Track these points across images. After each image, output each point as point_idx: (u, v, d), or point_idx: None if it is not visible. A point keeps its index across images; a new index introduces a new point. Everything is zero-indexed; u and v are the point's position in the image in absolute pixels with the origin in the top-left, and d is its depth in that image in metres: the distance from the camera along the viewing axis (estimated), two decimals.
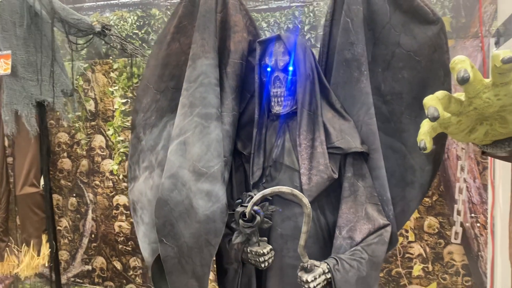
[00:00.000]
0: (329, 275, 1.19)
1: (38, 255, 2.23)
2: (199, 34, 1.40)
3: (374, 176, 1.36)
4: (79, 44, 2.20)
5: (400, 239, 2.20)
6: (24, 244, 2.25)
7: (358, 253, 1.24)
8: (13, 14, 2.09)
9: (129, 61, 2.48)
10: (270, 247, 1.28)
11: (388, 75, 1.42)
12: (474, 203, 2.08)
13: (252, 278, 1.35)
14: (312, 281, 1.15)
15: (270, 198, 1.31)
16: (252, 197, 1.21)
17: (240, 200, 1.28)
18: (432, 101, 0.75)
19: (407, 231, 2.19)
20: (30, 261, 2.21)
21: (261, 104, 1.39)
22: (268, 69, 1.35)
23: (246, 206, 1.20)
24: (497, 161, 2.00)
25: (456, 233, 1.10)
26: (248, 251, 1.28)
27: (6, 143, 2.40)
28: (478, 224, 2.07)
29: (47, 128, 2.30)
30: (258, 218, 1.21)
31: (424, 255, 2.18)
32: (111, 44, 2.10)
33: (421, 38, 1.38)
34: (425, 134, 0.82)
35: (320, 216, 1.34)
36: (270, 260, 1.27)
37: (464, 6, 2.06)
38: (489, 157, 1.98)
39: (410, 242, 2.20)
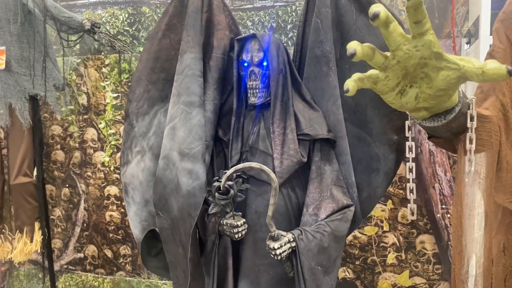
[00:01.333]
0: (293, 244, 1.31)
1: (31, 241, 2.34)
2: (186, 32, 1.53)
3: (340, 161, 1.49)
4: (71, 40, 2.30)
5: (375, 229, 2.32)
6: (17, 231, 2.36)
7: (322, 227, 1.36)
8: (7, 12, 2.19)
9: (122, 57, 2.58)
10: (244, 220, 1.40)
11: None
12: (445, 195, 2.19)
13: (228, 249, 1.47)
14: (278, 248, 1.27)
15: (245, 177, 1.45)
16: (224, 173, 1.34)
17: (217, 177, 1.41)
18: (354, 44, 0.85)
19: (382, 222, 2.30)
20: (23, 247, 2.32)
21: (239, 96, 1.53)
22: (245, 64, 1.48)
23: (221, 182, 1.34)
24: (477, 167, 2.11)
25: (412, 210, 1.20)
26: (224, 223, 1.41)
27: (2, 135, 2.51)
28: (449, 215, 2.18)
29: (40, 121, 2.40)
30: (231, 191, 1.34)
31: (398, 244, 2.29)
32: (100, 41, 2.19)
33: (383, 38, 1.49)
34: (351, 81, 0.92)
35: (292, 196, 1.47)
36: (244, 232, 1.40)
37: (437, 7, 2.16)
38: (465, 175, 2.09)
39: (384, 232, 2.31)
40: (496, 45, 1.23)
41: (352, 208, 1.45)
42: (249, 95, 1.49)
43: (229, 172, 1.29)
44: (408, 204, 1.22)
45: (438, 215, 2.22)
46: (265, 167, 1.25)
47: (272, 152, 1.44)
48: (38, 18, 2.21)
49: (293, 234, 1.32)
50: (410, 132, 1.17)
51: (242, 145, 1.51)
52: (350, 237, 2.35)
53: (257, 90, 1.46)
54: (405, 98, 0.94)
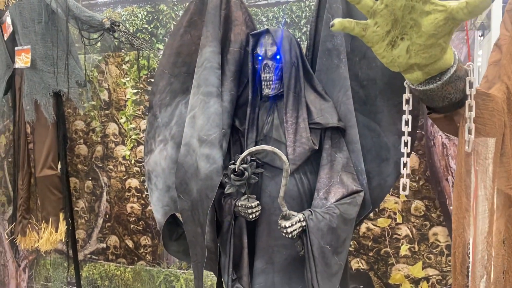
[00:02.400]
0: (304, 223, 1.38)
1: (56, 231, 2.46)
2: (205, 28, 1.63)
3: (350, 149, 1.54)
4: (92, 39, 2.39)
5: (388, 221, 2.34)
6: (43, 221, 2.49)
7: (331, 209, 1.43)
8: (32, 12, 2.30)
9: (139, 54, 2.66)
10: (257, 202, 1.48)
11: (364, 64, 1.58)
12: None
13: (243, 229, 1.55)
14: (289, 226, 1.35)
15: (260, 163, 1.53)
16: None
17: (233, 161, 1.49)
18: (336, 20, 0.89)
19: (395, 214, 2.33)
20: (49, 236, 2.44)
21: (254, 88, 1.61)
22: (259, 58, 1.56)
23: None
24: (479, 148, 2.11)
25: (404, 185, 1.23)
26: (239, 204, 1.49)
27: (29, 130, 2.63)
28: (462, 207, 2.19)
29: (64, 116, 2.50)
30: (246, 173, 1.43)
31: (411, 236, 2.31)
32: (120, 39, 2.28)
33: None
34: (340, 20, 0.95)
35: (304, 181, 1.53)
36: (257, 213, 1.48)
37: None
38: (464, 150, 2.09)
39: (398, 224, 2.33)
40: (503, 33, 1.24)
41: (362, 194, 1.51)
42: (263, 87, 1.57)
43: (243, 154, 1.38)
44: (401, 179, 1.24)
45: (451, 208, 2.23)
46: (276, 150, 1.34)
47: (285, 140, 1.51)
48: (61, 18, 2.30)
49: (303, 214, 1.39)
50: (407, 105, 1.18)
51: (257, 134, 1.59)
52: (363, 229, 2.39)
53: (270, 82, 1.54)
54: (396, 50, 0.95)
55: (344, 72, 1.55)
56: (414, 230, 2.31)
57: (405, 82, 1.14)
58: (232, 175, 1.44)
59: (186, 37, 1.73)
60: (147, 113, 2.81)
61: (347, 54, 1.58)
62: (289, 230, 1.35)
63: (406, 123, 1.19)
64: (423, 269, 2.30)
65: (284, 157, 1.33)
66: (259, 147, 1.39)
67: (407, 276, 2.33)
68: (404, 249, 2.33)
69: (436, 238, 2.27)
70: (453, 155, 2.21)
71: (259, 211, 1.49)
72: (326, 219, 1.40)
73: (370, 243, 2.39)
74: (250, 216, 1.47)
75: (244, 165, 1.44)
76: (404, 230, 2.33)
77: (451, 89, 1.02)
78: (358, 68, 1.60)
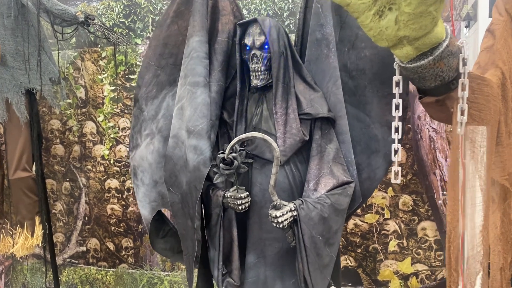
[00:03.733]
0: (295, 213, 1.36)
1: (32, 236, 2.35)
2: (192, 17, 1.60)
3: (340, 140, 1.53)
4: (65, 33, 2.28)
5: (376, 216, 2.30)
6: (18, 226, 2.37)
7: (323, 199, 1.42)
8: (1, 6, 2.17)
9: (116, 49, 2.56)
10: (247, 193, 1.46)
11: (353, 54, 1.57)
12: (446, 181, 2.17)
13: (232, 221, 1.52)
14: (280, 216, 1.33)
15: (249, 154, 1.51)
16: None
17: (222, 151, 1.47)
18: None
19: (383, 209, 2.29)
20: (25, 241, 2.32)
21: (242, 79, 1.58)
22: (247, 48, 1.52)
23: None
24: (474, 136, 2.08)
25: (396, 173, 1.19)
26: (228, 196, 1.47)
27: (1, 130, 2.50)
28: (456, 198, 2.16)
29: (38, 115, 2.38)
30: (235, 162, 1.40)
31: (399, 231, 2.28)
32: (95, 34, 2.17)
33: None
34: None
35: (295, 173, 1.52)
36: (247, 204, 1.46)
37: None
38: (459, 136, 2.06)
39: (386, 219, 2.29)
40: (496, 18, 1.21)
41: (352, 185, 1.49)
42: (251, 77, 1.53)
43: (233, 141, 1.36)
44: (392, 167, 1.21)
45: (439, 202, 2.20)
46: (267, 137, 1.32)
47: (275, 131, 1.49)
48: (31, 12, 2.18)
49: (294, 204, 1.38)
50: (397, 88, 1.13)
51: (246, 126, 1.57)
52: (351, 225, 2.35)
53: (259, 73, 1.51)
54: (384, 21, 0.90)
55: (333, 62, 1.54)
56: (402, 226, 2.27)
57: (394, 63, 1.10)
58: (221, 164, 1.42)
59: (173, 27, 1.70)
60: (125, 111, 2.71)
61: (336, 44, 1.56)
62: (280, 219, 1.33)
63: (397, 107, 1.15)
64: (412, 264, 2.27)
65: (274, 144, 1.32)
66: (249, 134, 1.36)
67: (396, 272, 2.30)
68: (392, 245, 2.30)
69: (425, 233, 2.24)
70: (440, 148, 2.18)
71: (249, 203, 1.47)
72: (317, 208, 1.38)
73: (358, 240, 2.35)
74: (240, 208, 1.44)
75: (234, 154, 1.41)
76: (392, 226, 2.29)
77: (444, 66, 0.98)
78: (347, 58, 1.58)
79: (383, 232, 2.31)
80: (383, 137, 1.56)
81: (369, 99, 1.56)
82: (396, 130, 1.19)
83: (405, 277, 2.29)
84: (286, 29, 2.35)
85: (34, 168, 2.39)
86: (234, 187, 1.47)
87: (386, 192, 2.27)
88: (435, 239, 2.22)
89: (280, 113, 1.49)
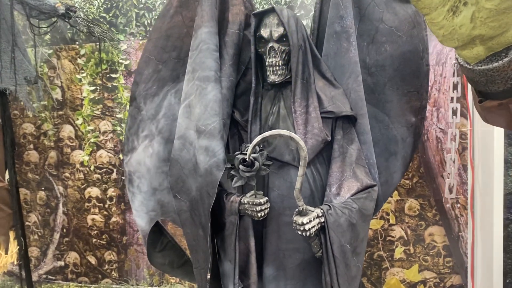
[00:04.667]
0: (322, 219, 1.26)
1: (6, 253, 2.11)
2: (200, 7, 1.50)
3: (361, 140, 1.45)
4: (42, 28, 2.05)
5: (381, 222, 2.19)
6: None
7: (349, 203, 1.32)
8: None
9: (97, 46, 2.35)
10: (266, 198, 1.34)
11: (373, 49, 1.52)
12: (454, 184, 2.08)
13: (249, 230, 1.39)
14: (308, 223, 1.22)
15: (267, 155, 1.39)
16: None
17: (240, 151, 1.35)
18: None
19: (388, 214, 2.18)
20: None
21: (256, 74, 1.48)
22: (263, 40, 1.42)
23: (246, 154, 1.29)
24: (476, 140, 2.00)
25: (450, 186, 1.08)
26: (245, 202, 1.34)
27: None
28: (459, 205, 2.07)
29: (10, 119, 2.15)
30: (256, 164, 1.28)
31: (406, 238, 2.17)
32: (77, 28, 1.95)
33: (402, 15, 1.50)
34: None
35: (316, 178, 1.42)
36: (266, 211, 1.33)
37: None
38: (468, 137, 1.97)
39: (391, 225, 2.18)
40: None
41: (376, 188, 1.42)
42: (268, 73, 1.43)
43: (256, 140, 1.25)
44: (447, 180, 1.11)
45: (448, 205, 2.10)
46: (294, 135, 1.22)
47: (294, 132, 1.39)
48: (4, 3, 1.95)
49: (321, 209, 1.28)
50: (455, 92, 1.02)
51: (261, 126, 1.47)
52: None
53: (277, 68, 1.41)
54: (458, 18, 0.78)
55: (354, 57, 1.47)
56: (408, 231, 2.17)
57: (453, 63, 0.98)
58: (241, 166, 1.29)
59: (176, 18, 1.60)
60: (107, 113, 2.50)
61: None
62: (307, 227, 1.22)
63: (454, 112, 1.03)
64: (419, 272, 2.17)
65: (302, 143, 1.21)
66: (275, 131, 1.24)
67: (403, 281, 2.19)
68: (398, 252, 2.19)
69: (433, 239, 2.14)
70: (448, 149, 2.08)
71: (268, 209, 1.35)
72: (346, 214, 1.29)
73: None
74: (259, 215, 1.32)
75: (255, 155, 1.29)
76: (398, 232, 2.18)
77: None
78: (365, 53, 1.53)
79: (388, 238, 2.19)
80: (402, 138, 1.51)
81: (389, 97, 1.51)
82: (453, 138, 1.08)
83: (412, 286, 2.18)
84: None
85: (7, 177, 2.16)
86: (252, 192, 1.34)
87: (391, 196, 2.16)
88: (443, 245, 2.13)
89: (299, 112, 1.39)
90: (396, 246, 2.19)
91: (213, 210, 1.43)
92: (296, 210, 1.26)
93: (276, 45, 1.40)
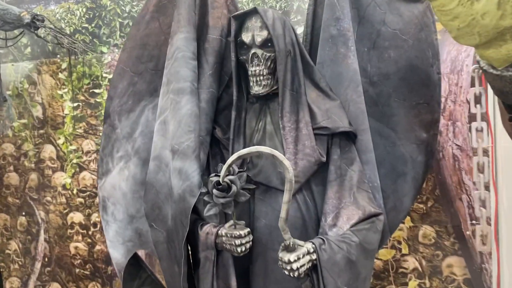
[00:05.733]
0: (314, 256, 1.11)
1: None
2: (177, 11, 1.40)
3: (363, 160, 1.31)
4: (9, 39, 1.87)
5: (392, 252, 1.96)
6: None
7: (348, 236, 1.17)
8: None
9: (75, 58, 2.17)
10: (248, 229, 1.18)
11: (374, 55, 1.40)
12: (475, 208, 1.83)
13: (229, 269, 1.22)
14: (295, 261, 1.06)
15: (252, 179, 1.25)
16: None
17: (215, 173, 1.20)
18: None
19: (400, 243, 1.95)
20: None
21: (239, 85, 1.34)
22: (245, 46, 1.29)
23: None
24: (499, 158, 1.77)
25: (483, 236, 0.88)
26: (223, 234, 1.18)
27: None
28: (481, 232, 1.83)
29: None
30: (233, 187, 1.12)
31: (420, 269, 1.94)
32: (45, 39, 1.77)
33: (407, 16, 1.39)
34: None
35: (310, 205, 1.26)
36: (248, 245, 1.17)
37: None
38: (490, 152, 1.74)
39: (403, 255, 1.95)
40: None
41: (381, 217, 1.25)
42: (251, 83, 1.28)
43: (230, 159, 1.09)
44: (478, 226, 0.93)
45: (468, 233, 1.86)
46: (276, 152, 1.06)
47: (283, 151, 1.24)
48: None
49: (313, 244, 1.12)
50: (478, 106, 0.80)
51: (245, 145, 1.32)
52: None
53: (261, 77, 1.26)
54: (480, 4, 0.57)
55: (353, 63, 1.33)
56: (423, 262, 1.93)
57: (473, 67, 0.78)
58: (214, 190, 1.13)
59: (153, 24, 1.48)
60: (90, 131, 2.31)
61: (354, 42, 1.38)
62: (294, 266, 1.06)
63: (480, 131, 0.81)
64: None
65: (286, 162, 1.05)
66: (253, 148, 1.09)
67: None
68: (412, 286, 1.95)
69: (451, 271, 1.90)
70: (467, 169, 1.84)
71: (250, 243, 1.18)
72: (343, 249, 1.13)
73: (371, 280, 1.98)
74: (238, 250, 1.15)
75: (231, 177, 1.13)
76: (411, 263, 1.95)
77: None
78: (366, 60, 1.40)
79: (400, 270, 1.96)
80: (411, 157, 1.37)
81: (395, 110, 1.37)
82: (480, 170, 0.88)
83: None
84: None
85: None
86: (231, 222, 1.18)
87: (403, 223, 1.93)
88: (464, 278, 1.88)
89: (289, 128, 1.25)
90: (410, 279, 1.95)
91: (191, 243, 1.30)
92: (282, 244, 1.09)
93: (259, 51, 1.25)
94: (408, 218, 1.93)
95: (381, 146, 1.38)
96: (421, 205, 1.91)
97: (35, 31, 1.74)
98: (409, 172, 1.38)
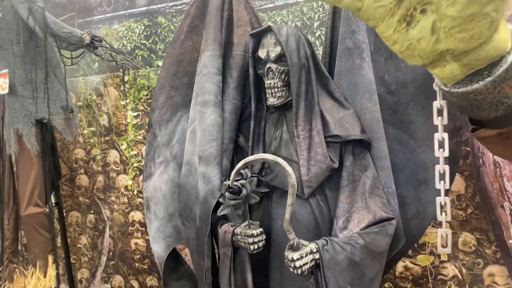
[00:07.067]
0: (317, 255, 1.14)
1: (45, 276, 2.18)
2: (205, 31, 1.50)
3: (378, 167, 1.31)
4: (73, 58, 2.11)
5: (431, 258, 1.92)
6: (31, 265, 2.21)
7: (354, 238, 1.19)
8: (10, 32, 2.06)
9: (134, 73, 2.38)
10: (261, 229, 1.25)
11: (392, 64, 1.39)
12: None
13: (245, 264, 1.29)
14: (298, 259, 1.11)
15: (265, 183, 1.32)
16: (239, 173, 1.23)
17: (226, 178, 1.33)
18: None
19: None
20: (37, 282, 2.15)
21: (257, 97, 1.42)
22: (261, 61, 1.36)
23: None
24: None
25: (443, 236, 0.89)
26: (238, 232, 1.26)
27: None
28: None
29: (51, 146, 2.23)
30: (244, 190, 1.20)
31: (460, 277, 1.88)
32: (102, 56, 1.99)
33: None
34: None
35: (323, 209, 1.29)
36: (261, 244, 1.23)
37: None
38: None
39: (442, 261, 1.91)
40: None
41: (394, 222, 1.26)
42: (267, 95, 1.35)
43: (238, 165, 1.16)
44: (439, 230, 0.93)
45: (511, 242, 1.78)
46: (279, 159, 1.12)
47: (297, 158, 1.29)
48: (39, 36, 2.05)
49: (316, 244, 1.16)
50: (440, 118, 0.83)
51: (264, 152, 1.39)
52: (400, 268, 1.97)
53: (276, 89, 1.32)
54: (414, 30, 0.59)
55: (368, 74, 1.35)
56: (463, 270, 1.87)
57: (434, 84, 0.80)
58: (226, 193, 1.23)
59: (187, 43, 1.59)
60: None
61: (370, 54, 1.37)
62: (297, 263, 1.11)
63: (440, 144, 0.83)
64: None
65: (288, 168, 1.10)
66: (258, 156, 1.15)
67: None
68: None
69: (493, 280, 1.83)
70: (509, 175, 1.78)
71: (263, 242, 1.24)
72: (346, 250, 1.16)
73: (409, 286, 1.97)
74: (251, 247, 1.22)
75: (242, 181, 1.22)
76: (451, 270, 1.90)
77: (509, 90, 0.65)
78: (384, 70, 1.39)
79: (440, 277, 1.91)
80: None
81: (413, 118, 1.35)
82: (441, 176, 0.89)
83: None
84: (317, 42, 2.09)
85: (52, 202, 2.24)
86: (246, 222, 1.27)
87: None
88: None
89: (302, 136, 1.29)
90: (449, 287, 1.90)
91: (216, 240, 1.40)
92: (288, 244, 1.15)
93: (273, 66, 1.32)
94: (447, 224, 1.89)
95: (401, 153, 1.37)
96: (461, 212, 1.86)
97: (94, 51, 1.96)
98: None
